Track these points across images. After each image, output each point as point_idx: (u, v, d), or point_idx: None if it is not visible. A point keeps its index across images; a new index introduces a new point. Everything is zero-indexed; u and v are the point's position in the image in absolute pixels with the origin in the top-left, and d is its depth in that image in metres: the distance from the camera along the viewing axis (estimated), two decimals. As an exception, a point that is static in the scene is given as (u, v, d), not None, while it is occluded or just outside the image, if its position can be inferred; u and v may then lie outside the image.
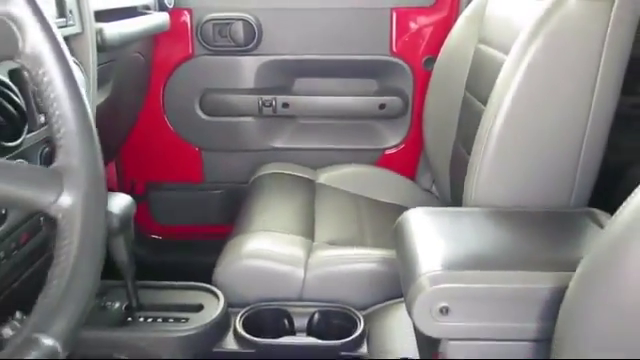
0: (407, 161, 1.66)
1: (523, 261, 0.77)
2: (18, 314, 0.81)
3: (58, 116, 0.49)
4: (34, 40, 0.49)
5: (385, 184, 1.54)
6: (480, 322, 0.75)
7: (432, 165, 1.49)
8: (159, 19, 1.40)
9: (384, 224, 1.21)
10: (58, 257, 0.44)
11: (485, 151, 0.96)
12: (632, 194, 0.63)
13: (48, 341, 0.39)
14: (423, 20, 1.58)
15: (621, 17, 0.89)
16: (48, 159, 0.86)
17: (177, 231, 1.78)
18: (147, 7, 1.40)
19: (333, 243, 1.16)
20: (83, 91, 0.52)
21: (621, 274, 0.61)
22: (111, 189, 1.06)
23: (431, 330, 0.76)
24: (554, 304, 0.71)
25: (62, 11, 0.90)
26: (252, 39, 1.59)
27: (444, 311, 0.75)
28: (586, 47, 0.90)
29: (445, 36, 1.45)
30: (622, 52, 0.91)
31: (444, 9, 1.58)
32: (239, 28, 1.58)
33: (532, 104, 0.93)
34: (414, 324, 0.77)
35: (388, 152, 1.69)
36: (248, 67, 1.62)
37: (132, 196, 1.01)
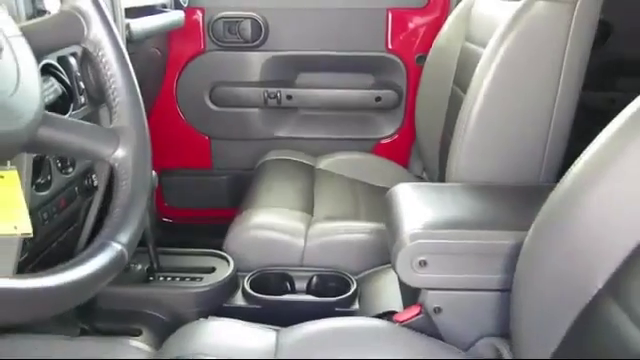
0: (400, 150, 1.79)
1: (491, 223, 0.91)
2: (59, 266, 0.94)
3: (114, 89, 0.63)
4: (96, 29, 0.63)
5: (379, 170, 1.67)
6: (453, 274, 0.89)
7: (423, 153, 1.62)
8: (175, 16, 1.53)
9: (377, 204, 1.34)
10: (117, 192, 0.58)
11: (464, 133, 1.09)
12: (579, 157, 0.77)
13: (117, 246, 0.52)
14: (416, 20, 1.72)
15: (582, 18, 1.02)
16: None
17: (187, 214, 1.91)
18: (164, 5, 1.54)
19: (330, 218, 1.29)
20: (131, 70, 0.66)
21: (569, 223, 0.75)
22: None
23: (412, 281, 0.89)
24: (515, 258, 0.85)
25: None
26: (259, 36, 1.72)
27: (422, 264, 0.88)
28: (551, 43, 1.04)
29: (435, 35, 1.59)
30: (583, 48, 1.04)
31: (435, 10, 1.71)
32: (247, 26, 1.72)
33: (505, 92, 1.07)
34: (398, 276, 0.90)
35: (383, 141, 1.82)
36: (255, 62, 1.76)
37: None
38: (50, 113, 0.54)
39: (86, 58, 0.89)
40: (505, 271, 0.87)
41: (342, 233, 1.22)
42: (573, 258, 0.73)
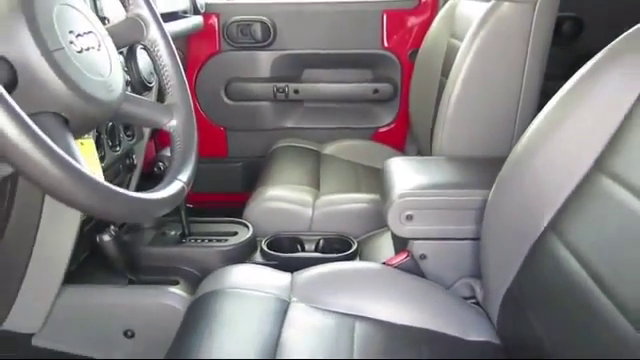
0: (397, 136, 1.99)
1: (465, 184, 1.11)
2: (112, 227, 1.15)
3: (167, 76, 0.83)
4: (153, 31, 0.83)
5: (378, 155, 1.85)
6: (435, 226, 1.09)
7: (417, 138, 1.82)
8: (195, 21, 1.74)
9: (375, 181, 1.53)
10: (174, 149, 0.77)
11: (446, 114, 1.29)
12: (528, 127, 0.96)
13: (179, 183, 0.72)
14: (408, 20, 1.92)
15: (541, 16, 1.22)
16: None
17: (205, 199, 2.11)
18: (185, 11, 1.74)
19: (334, 191, 1.49)
20: (179, 61, 0.86)
21: (520, 178, 0.94)
22: (150, 163, 1.41)
23: (400, 232, 1.09)
24: (484, 211, 1.04)
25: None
26: (268, 37, 1.93)
27: (409, 218, 1.08)
28: (516, 37, 1.23)
29: (425, 33, 1.79)
30: (544, 40, 1.24)
31: (425, 11, 1.91)
32: (258, 28, 1.92)
33: (479, 79, 1.26)
34: (389, 228, 1.10)
35: (381, 130, 2.02)
36: (265, 60, 1.97)
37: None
38: (128, 92, 0.74)
39: (131, 55, 1.10)
40: (477, 223, 1.07)
41: (344, 203, 1.42)
42: (524, 205, 0.92)
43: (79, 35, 0.63)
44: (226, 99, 2.00)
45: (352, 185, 1.56)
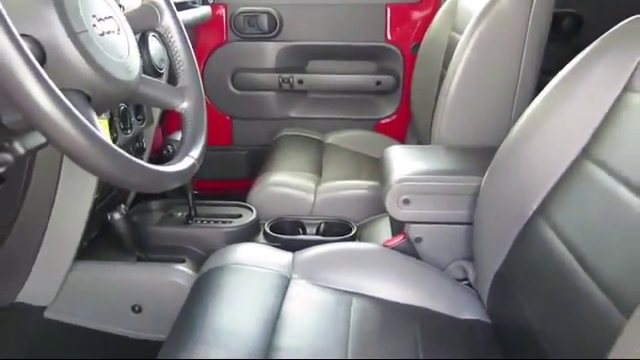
0: (398, 128, 2.03)
1: (460, 171, 1.16)
2: (122, 206, 1.21)
3: (179, 61, 0.88)
4: (167, 18, 0.88)
5: (379, 145, 1.88)
6: (430, 210, 1.14)
7: (418, 130, 1.86)
8: (203, 11, 1.79)
9: (376, 169, 1.59)
10: (185, 129, 0.83)
11: (445, 104, 1.34)
12: (521, 116, 1.01)
13: (191, 159, 0.77)
14: (411, 14, 1.97)
15: (538, 10, 1.26)
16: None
17: (210, 185, 2.16)
18: (194, 1, 1.79)
19: (335, 178, 1.54)
20: (191, 48, 0.91)
21: (512, 165, 0.99)
22: (157, 149, 1.46)
23: (398, 215, 1.14)
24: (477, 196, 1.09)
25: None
26: (274, 28, 1.98)
27: (406, 202, 1.13)
28: (514, 30, 1.28)
29: (428, 27, 1.83)
30: (541, 34, 1.28)
31: (428, 5, 1.95)
32: (264, 19, 1.97)
33: (477, 70, 1.31)
34: (387, 212, 1.15)
35: (383, 121, 2.06)
36: (271, 51, 2.01)
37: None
38: (143, 75, 0.79)
39: (143, 43, 1.15)
40: (470, 208, 1.12)
41: (345, 189, 1.47)
42: (515, 190, 0.97)
43: (100, 19, 0.68)
44: (232, 88, 2.05)
45: (353, 173, 1.61)
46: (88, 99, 0.64)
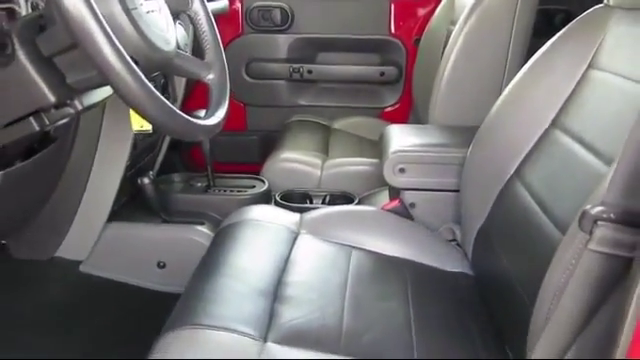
0: (401, 116, 2.17)
1: (450, 144, 1.30)
2: (151, 172, 1.36)
3: (206, 40, 1.04)
4: (196, 4, 1.03)
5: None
6: (423, 178, 1.28)
7: (419, 118, 2.01)
8: (221, 5, 1.94)
9: (377, 150, 1.73)
10: (211, 94, 0.98)
11: (439, 89, 1.48)
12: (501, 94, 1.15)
13: (217, 117, 0.92)
14: (413, 9, 2.12)
15: (524, 6, 1.41)
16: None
17: (225, 168, 2.30)
18: (213, -5, 1.95)
19: (340, 157, 1.69)
20: (216, 29, 1.06)
21: (492, 136, 1.14)
22: None
23: (394, 182, 1.29)
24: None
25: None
26: (287, 22, 2.13)
27: (402, 171, 1.28)
28: (502, 23, 1.42)
29: (429, 21, 1.98)
30: (526, 27, 1.43)
31: (430, 1, 2.10)
32: (277, 13, 2.13)
33: (468, 58, 1.45)
34: (385, 179, 1.30)
35: (387, 109, 2.21)
36: (283, 43, 2.17)
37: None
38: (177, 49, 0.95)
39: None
40: (458, 176, 1.26)
41: (349, 165, 1.62)
42: (495, 158, 1.12)
43: (146, 0, 0.84)
44: (246, 77, 2.20)
45: (356, 152, 1.76)
46: (137, 63, 0.80)
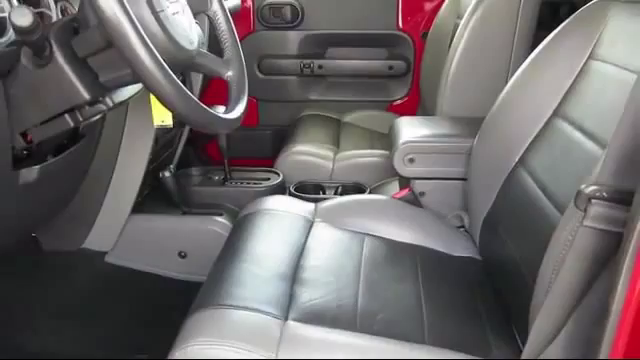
0: (410, 109, 2.22)
1: (457, 135, 1.35)
2: (171, 166, 1.43)
3: (225, 38, 1.10)
4: (215, 5, 1.09)
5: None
6: (431, 167, 1.34)
7: (426, 109, 2.06)
8: (235, 3, 2.00)
9: (387, 142, 1.78)
10: (231, 89, 1.04)
11: (447, 82, 1.54)
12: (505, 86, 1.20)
13: (237, 112, 0.98)
14: (421, 4, 2.17)
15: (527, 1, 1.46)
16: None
17: (238, 162, 2.37)
18: (226, -5, 2.01)
19: (351, 149, 1.75)
20: (234, 28, 1.12)
21: (497, 127, 1.19)
22: None
23: (404, 172, 1.35)
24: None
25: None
26: (297, 19, 2.19)
27: (411, 161, 1.33)
28: (507, 16, 1.47)
29: (436, 15, 2.02)
30: (530, 19, 1.47)
31: (437, -4, 2.15)
32: (288, 11, 2.18)
33: (474, 50, 1.50)
34: (395, 169, 1.35)
35: (395, 103, 2.26)
36: (293, 39, 2.23)
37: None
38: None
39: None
40: (465, 165, 1.31)
41: (360, 157, 1.68)
42: (500, 147, 1.17)
43: (172, 2, 0.90)
44: (258, 73, 2.26)
45: (367, 144, 1.81)
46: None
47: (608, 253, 0.64)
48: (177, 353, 0.81)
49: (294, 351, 0.82)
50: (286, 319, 0.89)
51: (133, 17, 0.71)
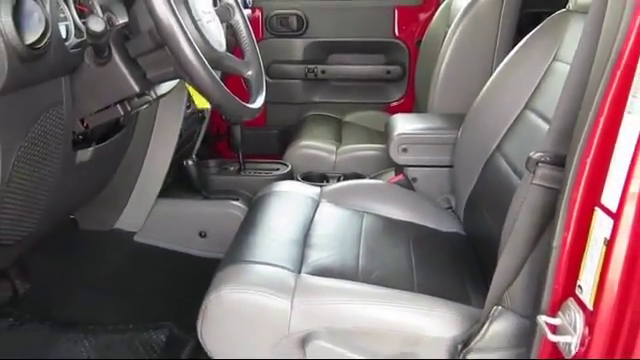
0: (405, 110, 2.41)
1: (445, 127, 1.55)
2: (193, 156, 1.62)
3: (245, 43, 1.29)
4: (237, 14, 1.29)
5: (389, 123, 2.31)
6: (422, 156, 1.53)
7: (420, 110, 2.25)
8: (245, 13, 2.20)
9: (384, 138, 1.98)
10: (251, 86, 1.23)
11: (437, 83, 1.73)
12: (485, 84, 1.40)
13: (257, 104, 1.17)
14: (415, 14, 2.37)
15: (508, 9, 1.66)
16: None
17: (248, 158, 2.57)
18: (238, 6, 2.21)
19: (352, 144, 1.94)
20: (252, 35, 1.31)
21: (478, 118, 1.38)
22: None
23: (398, 160, 1.54)
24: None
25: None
26: (302, 27, 2.40)
27: (405, 150, 1.53)
28: (489, 25, 1.67)
29: (429, 24, 2.22)
30: (510, 26, 1.67)
31: (430, 7, 2.35)
32: (294, 20, 2.39)
33: (461, 55, 1.70)
34: (391, 157, 1.55)
35: (392, 104, 2.46)
36: (299, 46, 2.43)
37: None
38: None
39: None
40: (452, 154, 1.50)
41: (360, 151, 1.88)
42: (480, 137, 1.36)
43: (205, 12, 1.09)
44: (267, 78, 2.45)
45: (366, 140, 2.01)
46: (200, 61, 1.05)
47: (552, 208, 0.82)
48: (212, 296, 1.00)
49: (307, 296, 1.00)
50: (299, 272, 1.08)
51: (183, 23, 0.90)
